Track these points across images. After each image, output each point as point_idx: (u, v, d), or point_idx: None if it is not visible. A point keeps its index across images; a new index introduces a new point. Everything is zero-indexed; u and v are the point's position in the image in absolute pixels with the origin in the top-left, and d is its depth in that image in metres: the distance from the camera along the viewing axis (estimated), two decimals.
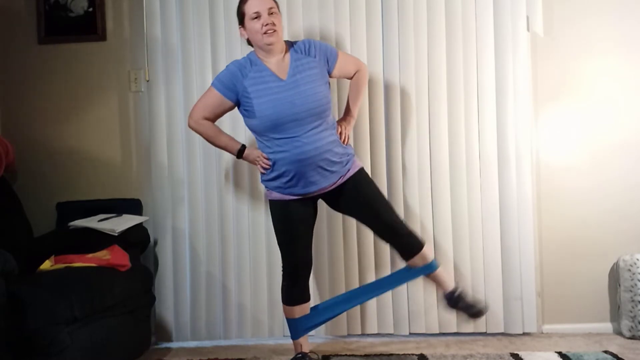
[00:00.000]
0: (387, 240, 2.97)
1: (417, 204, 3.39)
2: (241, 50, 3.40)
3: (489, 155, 3.38)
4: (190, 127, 2.94)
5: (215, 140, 2.94)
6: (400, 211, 3.38)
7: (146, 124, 3.52)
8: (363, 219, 2.95)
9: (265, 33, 2.77)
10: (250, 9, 2.79)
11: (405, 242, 2.91)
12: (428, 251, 2.96)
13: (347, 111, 3.04)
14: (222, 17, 3.42)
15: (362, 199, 2.88)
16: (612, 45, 3.42)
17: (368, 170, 3.32)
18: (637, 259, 3.30)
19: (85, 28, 3.53)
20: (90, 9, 3.52)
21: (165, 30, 3.45)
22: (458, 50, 3.37)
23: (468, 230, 3.39)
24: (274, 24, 2.77)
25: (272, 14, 2.79)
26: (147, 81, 3.49)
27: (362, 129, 3.37)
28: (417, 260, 2.92)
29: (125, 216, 3.34)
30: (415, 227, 3.37)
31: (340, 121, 2.99)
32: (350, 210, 2.96)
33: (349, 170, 2.87)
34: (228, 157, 3.43)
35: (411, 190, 3.40)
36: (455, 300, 2.96)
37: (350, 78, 3.03)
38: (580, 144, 3.46)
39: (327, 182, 2.82)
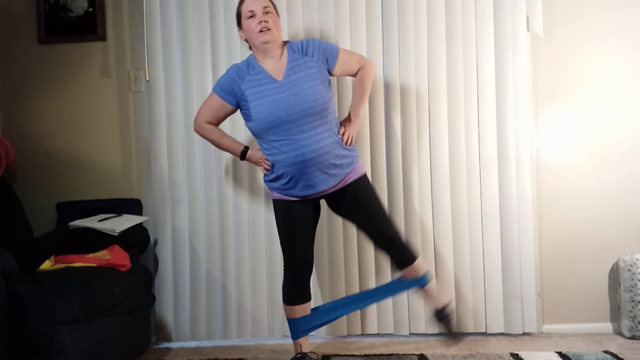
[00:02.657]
0: (382, 248, 2.97)
1: (417, 204, 3.39)
2: (241, 51, 3.41)
3: (489, 155, 3.38)
4: (195, 131, 3.00)
5: (219, 143, 2.98)
6: (400, 211, 3.39)
7: (146, 124, 3.52)
8: (360, 225, 2.95)
9: (260, 31, 2.78)
10: (245, 8, 2.82)
11: (399, 253, 2.92)
12: (421, 264, 2.97)
13: (352, 111, 2.99)
14: (222, 18, 3.42)
15: (361, 206, 2.88)
16: (612, 45, 3.43)
17: (368, 170, 3.33)
18: (637, 259, 3.31)
19: (85, 28, 3.53)
20: (90, 9, 3.52)
21: (165, 30, 3.45)
22: (458, 50, 3.37)
23: (468, 230, 3.39)
24: (267, 22, 2.78)
25: (267, 13, 2.80)
26: (147, 81, 3.49)
27: (362, 129, 3.37)
28: (409, 272, 2.94)
29: (125, 216, 3.34)
30: (416, 227, 3.39)
31: (343, 121, 2.95)
32: (349, 216, 2.96)
33: (350, 174, 2.85)
34: (228, 158, 3.43)
35: (411, 190, 3.40)
36: (442, 317, 2.98)
37: (354, 75, 2.98)
38: (580, 144, 3.46)
39: (327, 185, 2.81)
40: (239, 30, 2.90)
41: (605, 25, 3.42)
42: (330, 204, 2.96)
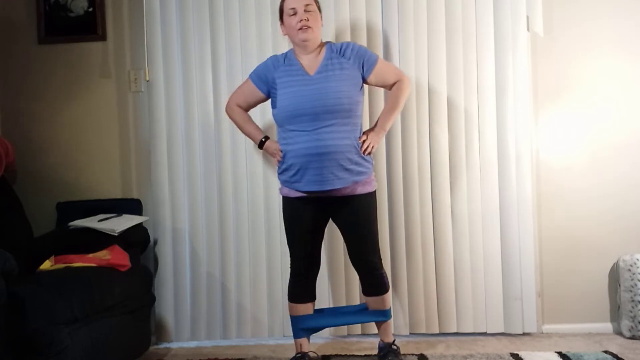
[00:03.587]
0: (358, 269, 2.98)
1: (417, 204, 3.39)
2: (241, 51, 3.41)
3: (489, 155, 3.38)
4: (226, 111, 3.10)
5: (242, 127, 3.04)
6: (400, 211, 3.39)
7: (146, 124, 3.52)
8: (348, 240, 2.95)
9: (300, 29, 2.81)
10: (288, 5, 2.86)
11: (373, 280, 2.94)
12: (388, 298, 2.99)
13: (379, 122, 2.95)
14: (222, 18, 3.42)
15: (358, 224, 2.88)
16: (612, 46, 3.43)
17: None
18: (637, 259, 3.31)
19: (85, 28, 3.53)
20: (90, 9, 3.52)
21: (165, 30, 3.45)
22: (458, 50, 3.37)
23: (468, 230, 3.39)
24: (308, 20, 2.80)
25: (308, 11, 2.83)
26: (147, 81, 3.49)
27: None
28: (375, 302, 2.97)
29: (125, 216, 3.34)
30: (416, 227, 3.39)
31: (368, 131, 2.93)
32: (342, 226, 2.95)
33: (360, 185, 2.83)
34: (228, 158, 3.43)
35: (411, 190, 3.39)
36: (391, 351, 2.99)
37: (389, 88, 2.98)
38: (580, 144, 3.46)
39: (332, 186, 2.79)
40: (280, 25, 2.95)
41: (605, 25, 3.42)
42: (330, 209, 2.93)
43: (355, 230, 2.89)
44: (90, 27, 3.52)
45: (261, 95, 2.96)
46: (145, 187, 3.55)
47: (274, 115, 2.93)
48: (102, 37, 3.53)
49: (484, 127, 3.38)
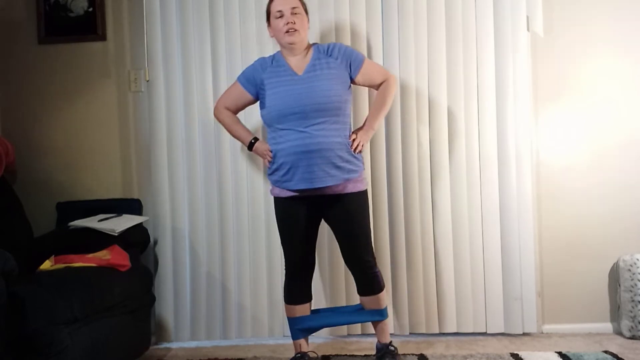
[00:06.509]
0: (352, 269, 2.97)
1: (417, 204, 3.39)
2: (241, 51, 3.41)
3: (489, 155, 3.38)
4: (214, 114, 3.09)
5: (231, 130, 3.05)
6: (400, 211, 3.39)
7: (146, 124, 3.52)
8: (341, 239, 2.94)
9: (287, 32, 2.82)
10: (275, 7, 2.87)
11: (367, 280, 2.94)
12: (384, 297, 2.98)
13: (368, 121, 2.97)
14: (222, 18, 3.42)
15: (349, 223, 2.87)
16: (612, 45, 3.43)
17: (368, 170, 3.32)
18: (637, 259, 3.31)
19: (85, 28, 3.53)
20: (90, 9, 3.52)
21: (165, 30, 3.45)
22: (458, 50, 3.37)
23: (468, 230, 3.39)
24: (295, 23, 2.81)
25: (295, 13, 2.84)
26: (147, 81, 3.49)
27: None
28: (371, 302, 2.96)
29: (125, 216, 3.34)
30: (416, 227, 3.38)
31: (357, 129, 2.94)
32: (334, 226, 2.95)
33: (350, 183, 2.83)
34: (227, 158, 3.43)
35: (411, 190, 3.39)
36: (388, 352, 2.98)
37: (376, 88, 2.99)
38: (580, 144, 3.46)
39: (323, 183, 2.78)
40: (267, 27, 2.95)
41: (606, 25, 3.42)
42: (321, 208, 2.92)
43: (347, 229, 2.88)
44: (90, 27, 3.53)
45: (250, 97, 2.97)
46: (145, 187, 3.55)
47: (262, 115, 2.93)
48: (102, 37, 3.54)
49: (484, 127, 3.38)
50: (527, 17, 3.36)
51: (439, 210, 3.40)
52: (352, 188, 2.84)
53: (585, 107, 3.45)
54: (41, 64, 3.57)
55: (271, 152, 2.87)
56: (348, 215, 2.87)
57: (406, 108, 3.39)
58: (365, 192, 2.92)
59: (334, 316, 3.13)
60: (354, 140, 2.86)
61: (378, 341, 3.04)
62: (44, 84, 3.57)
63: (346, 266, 3.00)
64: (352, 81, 2.92)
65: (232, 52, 3.42)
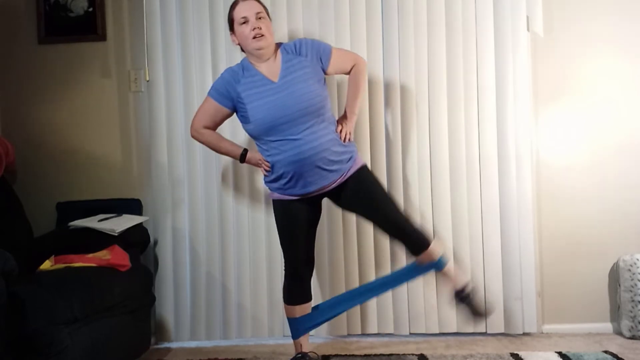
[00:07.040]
0: (393, 236, 2.92)
1: (417, 204, 3.39)
2: (241, 51, 3.40)
3: (489, 155, 3.38)
4: (192, 137, 3.00)
5: (217, 148, 2.99)
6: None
7: (146, 124, 3.52)
8: (366, 214, 2.91)
9: (254, 38, 2.78)
10: (238, 14, 2.81)
11: (412, 238, 2.86)
12: (436, 248, 2.88)
13: (347, 108, 2.97)
14: (222, 17, 3.42)
15: (364, 195, 2.85)
16: (612, 45, 3.43)
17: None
18: (637, 259, 3.31)
19: (85, 28, 3.53)
20: (90, 9, 3.52)
21: (165, 30, 3.45)
22: (458, 50, 3.37)
23: (468, 230, 3.39)
24: (261, 29, 2.77)
25: (260, 18, 2.80)
26: (147, 81, 3.49)
27: (362, 128, 3.37)
28: (424, 257, 2.86)
29: (125, 216, 3.34)
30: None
31: (340, 119, 2.94)
32: (353, 206, 2.92)
33: (350, 168, 2.84)
34: (228, 158, 3.43)
35: (411, 190, 3.40)
36: (463, 298, 2.91)
37: (348, 73, 2.97)
38: (580, 144, 3.46)
39: (327, 182, 2.80)
40: (231, 34, 2.90)
41: (606, 25, 3.42)
42: (333, 200, 2.93)
43: (367, 199, 2.84)
44: (90, 27, 3.53)
45: (226, 111, 2.89)
46: (145, 187, 3.55)
47: (248, 130, 2.86)
48: (102, 37, 3.53)
49: (484, 127, 3.38)
50: (527, 17, 3.36)
51: (439, 209, 3.39)
52: (353, 169, 2.84)
53: (585, 107, 3.45)
54: (41, 64, 3.57)
55: (267, 162, 2.83)
56: (361, 188, 2.84)
57: (406, 108, 3.39)
58: (365, 167, 2.91)
59: (386, 283, 3.05)
60: (340, 130, 2.86)
61: (450, 289, 2.94)
62: (44, 84, 3.57)
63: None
64: (325, 73, 2.89)
65: (232, 52, 3.41)
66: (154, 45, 3.46)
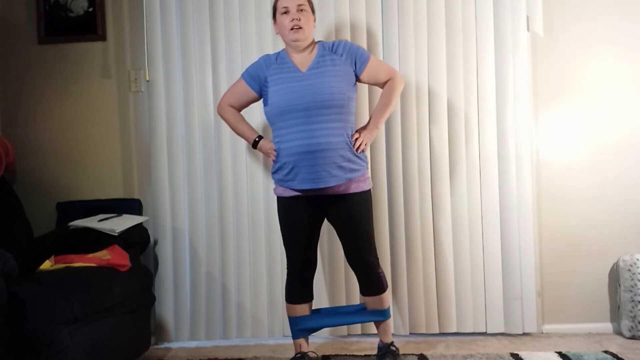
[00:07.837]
0: (354, 269, 2.96)
1: (417, 204, 3.39)
2: (241, 51, 3.41)
3: (489, 155, 3.38)
4: (217, 112, 3.08)
5: (235, 127, 3.03)
6: (400, 211, 3.39)
7: (146, 124, 3.52)
8: (344, 240, 2.93)
9: (291, 29, 2.81)
10: (281, 3, 2.86)
11: (370, 280, 2.94)
12: (387, 298, 2.98)
13: (372, 119, 2.93)
14: (222, 17, 3.42)
15: (353, 223, 2.86)
16: (612, 45, 3.43)
17: (368, 170, 3.31)
18: (637, 259, 3.31)
19: (85, 28, 3.53)
20: (90, 9, 3.52)
21: (165, 30, 3.45)
22: (458, 50, 3.37)
23: (468, 230, 3.39)
24: (300, 20, 2.80)
25: (301, 10, 2.83)
26: (147, 81, 3.49)
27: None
28: (373, 302, 2.96)
29: (125, 216, 3.34)
30: (416, 227, 3.38)
31: (361, 128, 2.91)
32: (337, 226, 2.93)
33: (354, 183, 2.82)
34: (228, 158, 3.43)
35: (411, 189, 3.39)
36: (386, 354, 2.97)
37: (382, 86, 2.96)
38: (580, 144, 3.46)
39: (326, 184, 2.77)
40: (273, 23, 2.94)
41: (606, 25, 3.42)
42: (324, 208, 2.91)
43: (351, 229, 2.87)
44: (90, 27, 3.53)
45: (253, 94, 2.95)
46: (145, 187, 3.55)
47: (265, 112, 2.92)
48: (102, 37, 3.54)
49: (484, 127, 3.38)
50: (527, 17, 3.37)
51: (439, 210, 3.39)
52: (355, 188, 2.83)
53: (585, 107, 3.45)
54: (41, 64, 3.57)
55: (275, 150, 2.86)
56: (351, 215, 2.86)
57: (406, 108, 3.39)
58: (368, 192, 2.90)
59: (336, 316, 3.13)
60: (357, 139, 2.84)
61: (380, 341, 3.04)
62: (44, 84, 3.57)
63: (349, 266, 3.00)
64: (358, 79, 2.91)
65: (232, 52, 3.42)
66: (154, 45, 3.46)
